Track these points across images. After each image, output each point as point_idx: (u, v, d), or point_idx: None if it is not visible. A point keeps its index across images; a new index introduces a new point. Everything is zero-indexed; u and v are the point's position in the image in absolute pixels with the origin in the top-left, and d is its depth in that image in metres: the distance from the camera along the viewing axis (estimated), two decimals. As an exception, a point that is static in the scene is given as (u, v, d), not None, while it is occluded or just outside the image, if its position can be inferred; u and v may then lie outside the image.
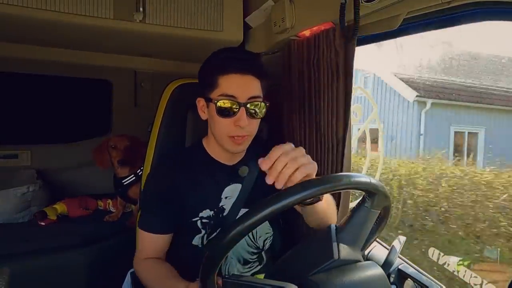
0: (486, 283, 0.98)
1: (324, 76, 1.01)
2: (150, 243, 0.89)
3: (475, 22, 0.77)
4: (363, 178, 0.57)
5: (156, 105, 1.14)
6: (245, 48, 1.49)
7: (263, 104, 0.85)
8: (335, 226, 0.64)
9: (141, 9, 1.18)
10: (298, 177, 0.61)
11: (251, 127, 0.85)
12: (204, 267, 0.55)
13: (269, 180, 0.60)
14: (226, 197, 0.92)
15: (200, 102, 0.88)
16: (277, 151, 0.62)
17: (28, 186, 1.52)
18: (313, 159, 1.11)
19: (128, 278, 1.00)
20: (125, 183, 1.52)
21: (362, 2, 0.83)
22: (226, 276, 0.57)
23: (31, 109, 1.77)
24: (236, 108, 0.81)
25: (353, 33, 0.89)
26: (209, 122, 0.89)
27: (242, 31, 1.37)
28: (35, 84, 1.74)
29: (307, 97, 1.10)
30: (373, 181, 0.58)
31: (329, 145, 1.03)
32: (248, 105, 0.82)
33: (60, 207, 1.56)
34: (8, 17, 1.07)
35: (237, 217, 0.89)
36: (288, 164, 0.60)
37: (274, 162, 0.61)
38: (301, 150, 0.65)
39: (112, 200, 1.66)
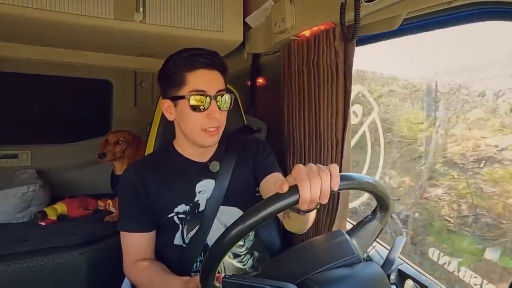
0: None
1: (324, 76, 1.01)
2: (134, 244, 0.89)
3: (475, 22, 0.77)
4: (383, 189, 0.60)
5: (155, 105, 1.14)
6: (245, 48, 1.49)
7: (229, 96, 0.88)
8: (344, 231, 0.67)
9: (141, 9, 1.18)
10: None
11: (222, 119, 0.88)
12: (205, 265, 0.55)
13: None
14: (199, 192, 0.93)
15: (165, 104, 0.89)
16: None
17: (28, 186, 1.52)
18: (312, 160, 1.11)
19: (127, 278, 1.00)
20: (122, 181, 1.52)
21: (362, 2, 0.83)
22: (227, 276, 0.57)
23: (31, 109, 1.77)
24: (208, 102, 0.84)
25: (353, 33, 0.89)
26: (178, 121, 0.90)
27: (242, 31, 1.37)
28: (35, 84, 1.74)
29: (307, 97, 1.10)
30: (388, 198, 0.62)
31: (328, 145, 1.03)
32: (218, 98, 0.86)
33: (60, 207, 1.56)
34: (8, 17, 1.07)
35: (216, 214, 0.91)
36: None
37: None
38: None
39: (112, 200, 1.65)
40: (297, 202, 0.52)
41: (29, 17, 1.08)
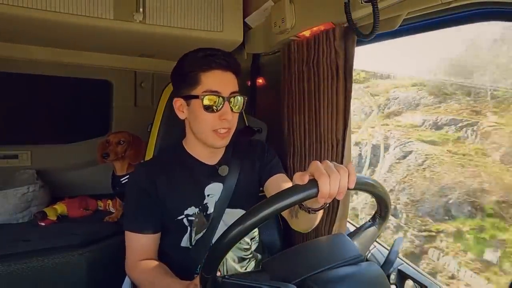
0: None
1: (324, 77, 1.01)
2: (138, 245, 0.89)
3: (475, 22, 0.77)
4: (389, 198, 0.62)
5: (156, 105, 1.14)
6: (245, 48, 1.49)
7: (242, 98, 0.89)
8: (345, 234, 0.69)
9: (141, 9, 1.18)
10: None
11: (233, 120, 0.89)
12: (205, 266, 0.55)
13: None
14: (208, 195, 0.93)
15: (178, 102, 0.89)
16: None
17: (28, 186, 1.52)
18: (312, 159, 1.11)
19: (127, 278, 1.00)
20: (123, 182, 1.51)
21: (362, 3, 0.83)
22: (226, 276, 0.57)
23: (31, 109, 1.77)
24: (221, 103, 0.84)
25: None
26: (190, 121, 0.90)
27: (242, 32, 1.37)
28: (35, 84, 1.73)
29: (307, 97, 1.10)
30: (390, 207, 0.65)
31: (328, 146, 1.02)
32: (231, 100, 0.86)
33: (60, 207, 1.56)
34: (8, 17, 1.07)
35: (222, 217, 0.91)
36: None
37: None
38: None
39: (112, 200, 1.65)
40: (315, 195, 0.53)
41: (29, 17, 1.07)
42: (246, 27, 1.41)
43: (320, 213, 0.77)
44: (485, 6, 0.71)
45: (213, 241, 0.91)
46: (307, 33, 1.09)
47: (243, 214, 0.52)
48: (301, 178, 0.54)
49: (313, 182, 0.53)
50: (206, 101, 0.83)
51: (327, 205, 0.71)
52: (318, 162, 0.55)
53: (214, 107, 0.84)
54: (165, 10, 1.23)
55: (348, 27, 0.94)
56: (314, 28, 1.04)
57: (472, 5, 0.73)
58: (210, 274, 0.55)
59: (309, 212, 0.69)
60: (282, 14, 1.11)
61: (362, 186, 0.58)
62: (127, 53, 1.67)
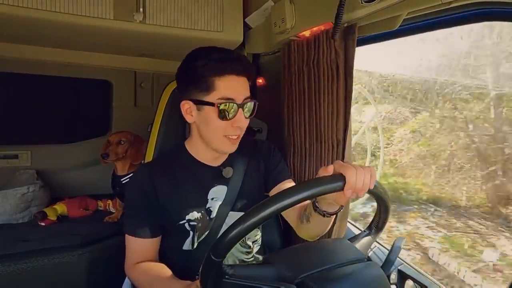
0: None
1: (324, 77, 1.01)
2: (137, 248, 0.87)
3: (475, 22, 0.77)
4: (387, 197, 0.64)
5: (156, 105, 1.14)
6: (245, 48, 1.49)
7: (253, 103, 0.86)
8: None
9: (141, 9, 1.18)
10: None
11: (245, 126, 0.86)
12: (216, 247, 0.54)
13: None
14: (212, 198, 0.91)
15: (186, 105, 0.85)
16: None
17: (28, 187, 1.52)
18: (313, 160, 1.11)
19: (127, 278, 1.00)
20: (123, 182, 1.51)
21: (362, 3, 0.83)
22: (227, 276, 0.56)
23: (31, 109, 1.77)
24: (235, 110, 0.81)
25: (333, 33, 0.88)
26: (199, 125, 0.86)
27: (242, 32, 1.37)
28: (35, 84, 1.74)
29: (307, 97, 1.10)
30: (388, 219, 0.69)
31: (329, 146, 1.02)
32: (244, 106, 0.83)
33: (60, 207, 1.56)
34: (8, 17, 1.07)
35: (225, 220, 0.90)
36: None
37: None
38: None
39: (112, 200, 1.65)
40: (342, 187, 0.55)
41: (29, 17, 1.07)
42: (246, 27, 1.41)
43: (332, 219, 0.77)
44: (485, 6, 0.72)
45: None
46: (307, 33, 1.09)
47: (274, 196, 0.52)
48: (327, 170, 0.57)
49: (340, 175, 0.55)
50: (221, 109, 0.80)
51: (341, 210, 0.73)
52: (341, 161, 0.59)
53: (228, 114, 0.80)
54: (165, 10, 1.23)
55: (348, 27, 0.94)
56: (314, 28, 1.04)
57: (472, 5, 0.73)
58: (219, 258, 0.53)
59: (323, 215, 0.69)
60: (282, 14, 1.11)
61: (377, 191, 0.61)
62: (127, 53, 1.67)
